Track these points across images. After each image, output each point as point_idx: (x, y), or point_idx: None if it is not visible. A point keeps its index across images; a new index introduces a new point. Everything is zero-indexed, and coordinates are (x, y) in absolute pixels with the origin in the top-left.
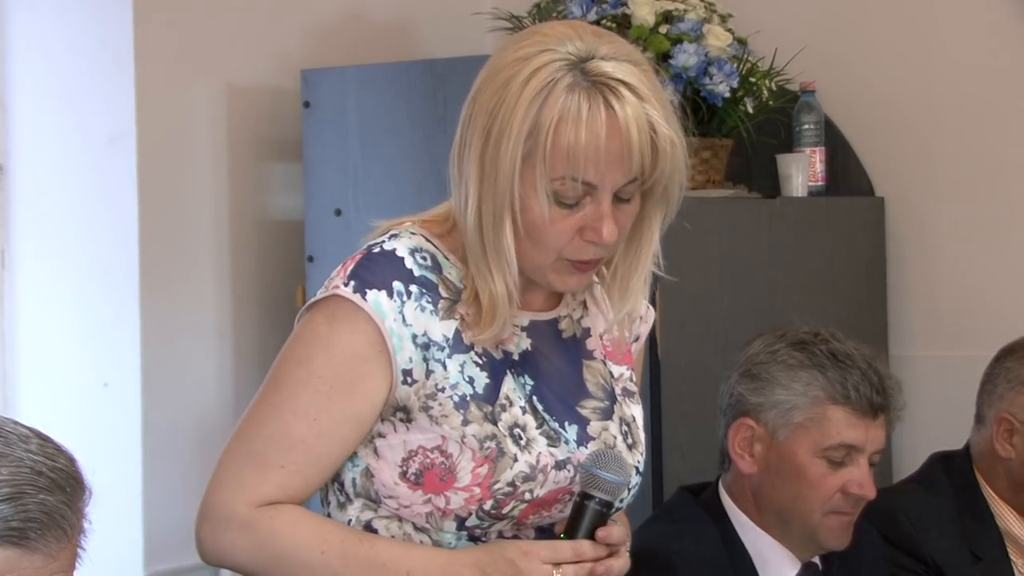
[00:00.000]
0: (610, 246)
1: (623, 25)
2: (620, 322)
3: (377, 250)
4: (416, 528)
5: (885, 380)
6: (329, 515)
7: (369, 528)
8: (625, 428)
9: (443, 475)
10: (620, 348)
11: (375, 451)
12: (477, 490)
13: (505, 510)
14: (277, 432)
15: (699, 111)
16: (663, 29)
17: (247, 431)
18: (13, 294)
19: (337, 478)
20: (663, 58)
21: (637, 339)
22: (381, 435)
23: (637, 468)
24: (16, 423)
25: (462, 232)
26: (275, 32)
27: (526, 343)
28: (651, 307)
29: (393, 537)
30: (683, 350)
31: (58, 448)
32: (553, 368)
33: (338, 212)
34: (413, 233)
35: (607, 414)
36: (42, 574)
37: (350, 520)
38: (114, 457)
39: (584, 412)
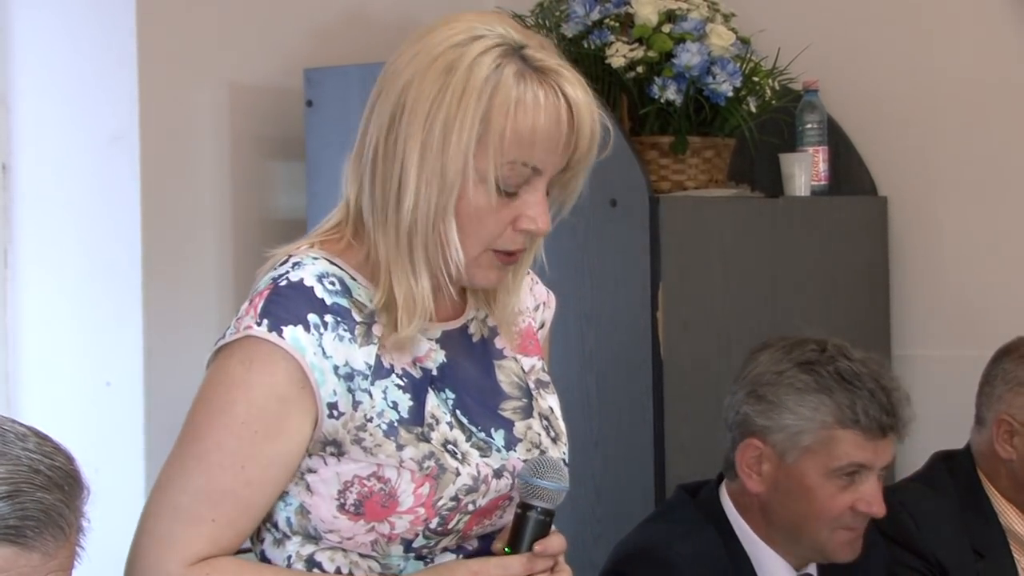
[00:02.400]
0: (543, 234)
1: (626, 24)
2: (509, 316)
3: (284, 283)
4: (362, 556)
5: (893, 397)
6: (263, 552)
7: (312, 561)
8: (545, 422)
9: (384, 501)
10: (528, 339)
11: (308, 487)
12: (422, 510)
13: (451, 525)
14: (204, 485)
15: (702, 110)
16: (666, 28)
17: (170, 486)
18: (15, 293)
19: (270, 518)
20: (666, 57)
21: (543, 325)
22: (312, 470)
23: (564, 460)
24: (14, 421)
25: (380, 230)
26: (278, 31)
27: (441, 356)
28: (551, 293)
29: (339, 568)
30: (685, 350)
31: (56, 446)
32: (469, 376)
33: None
34: (316, 258)
35: (527, 412)
36: (40, 572)
37: (290, 556)
38: (116, 456)
39: (506, 414)
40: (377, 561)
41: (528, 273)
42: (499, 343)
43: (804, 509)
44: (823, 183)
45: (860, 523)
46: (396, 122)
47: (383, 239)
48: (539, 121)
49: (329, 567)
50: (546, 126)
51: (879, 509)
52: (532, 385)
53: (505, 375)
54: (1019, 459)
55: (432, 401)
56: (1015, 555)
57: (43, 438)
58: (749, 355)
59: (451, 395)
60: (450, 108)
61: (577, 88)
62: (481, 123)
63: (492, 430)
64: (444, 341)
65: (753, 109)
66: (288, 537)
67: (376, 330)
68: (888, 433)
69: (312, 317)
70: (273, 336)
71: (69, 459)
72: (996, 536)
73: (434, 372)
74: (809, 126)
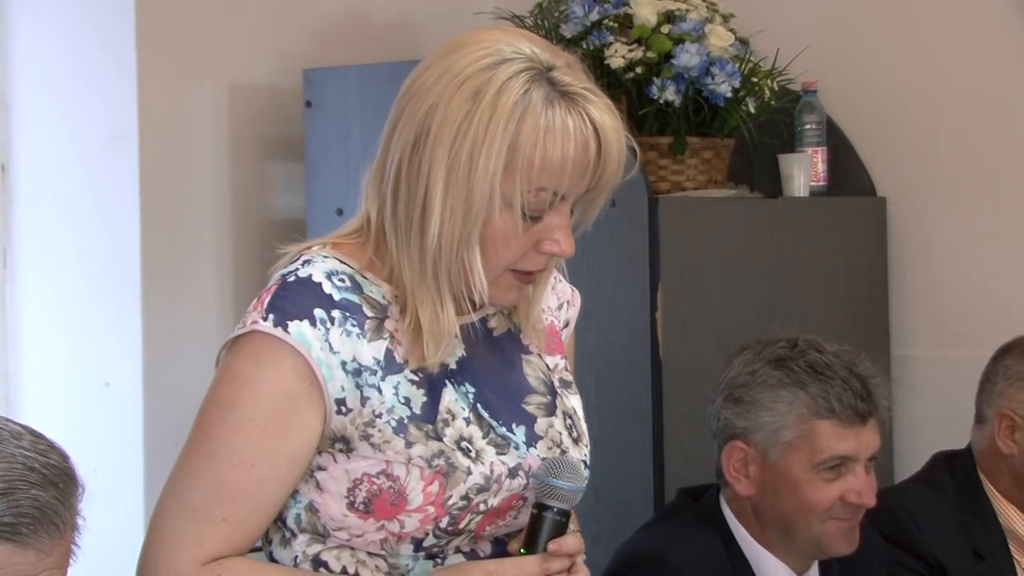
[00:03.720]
0: (567, 257)
1: (625, 25)
2: (533, 321)
3: (292, 279)
4: (369, 554)
5: (868, 383)
6: (271, 552)
7: (318, 561)
8: (569, 422)
9: (393, 499)
10: (551, 338)
11: (317, 485)
12: (431, 509)
13: (461, 524)
14: (214, 484)
15: (701, 111)
16: (665, 29)
17: (182, 485)
18: (14, 293)
19: (279, 515)
20: (665, 58)
21: (567, 325)
22: (321, 468)
23: (585, 462)
24: (8, 420)
25: (403, 254)
26: (277, 32)
27: (460, 350)
28: (576, 290)
29: (344, 568)
30: (684, 350)
31: (51, 445)
32: (491, 370)
33: (340, 212)
34: (326, 257)
35: (551, 409)
36: (35, 570)
37: (296, 556)
38: (115, 457)
39: (530, 409)
40: (385, 560)
41: (552, 274)
42: (525, 339)
43: (793, 505)
44: (822, 184)
45: (852, 514)
46: (421, 145)
47: (407, 263)
48: (568, 149)
49: (335, 566)
50: (574, 154)
51: (869, 499)
52: (556, 384)
53: (532, 370)
54: (1020, 454)
55: (449, 396)
56: (1015, 556)
57: (37, 436)
58: (726, 362)
59: (471, 389)
60: (477, 134)
61: (605, 113)
62: (509, 150)
63: (513, 425)
64: (462, 334)
65: (752, 110)
66: (295, 536)
67: (388, 325)
68: (867, 419)
69: (319, 312)
70: (279, 331)
71: (64, 457)
72: (996, 537)
73: (452, 366)
74: (808, 127)
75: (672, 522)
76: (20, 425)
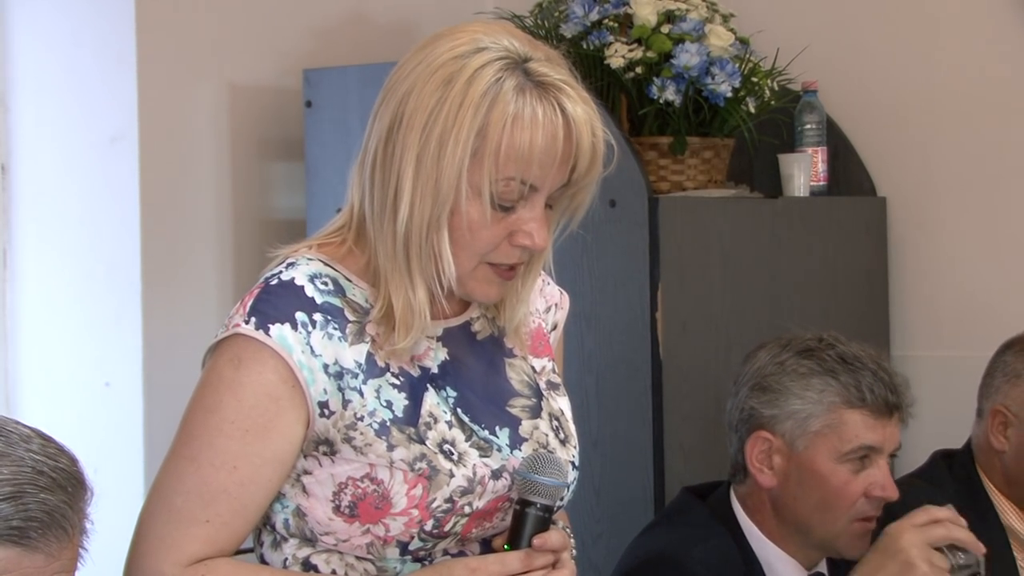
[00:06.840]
0: (541, 250)
1: (625, 25)
2: (519, 324)
3: (275, 282)
4: (358, 558)
5: (895, 379)
6: (263, 555)
7: (308, 564)
8: (555, 423)
9: (377, 503)
10: (538, 340)
11: (304, 489)
12: (415, 512)
13: (447, 527)
14: (197, 486)
15: (701, 111)
16: (665, 29)
17: (165, 487)
18: (15, 293)
19: (268, 520)
20: (665, 58)
21: (556, 327)
22: (307, 472)
23: (573, 463)
24: (18, 423)
25: (379, 239)
26: (277, 32)
27: (443, 353)
28: (564, 293)
29: (334, 571)
30: (684, 350)
31: (60, 448)
32: (474, 373)
33: (340, 211)
34: (310, 259)
35: (536, 412)
36: (43, 574)
37: (286, 559)
38: (116, 457)
39: (514, 411)
40: (373, 564)
41: (539, 275)
42: (510, 342)
43: (818, 498)
44: (822, 183)
45: (875, 510)
46: (394, 132)
47: (381, 248)
48: (536, 138)
49: (325, 569)
50: (543, 143)
51: (892, 492)
52: (543, 386)
53: (516, 373)
54: (1012, 450)
55: (431, 400)
56: (1015, 553)
57: (47, 440)
58: (746, 357)
59: (452, 393)
60: (447, 121)
61: (578, 104)
62: (477, 137)
63: (496, 428)
64: (445, 338)
65: (752, 109)
66: (285, 539)
67: (370, 328)
68: (894, 413)
69: (300, 315)
70: (260, 334)
71: (73, 461)
72: (996, 534)
73: (434, 370)
74: (808, 126)
75: (682, 520)
76: (30, 428)
